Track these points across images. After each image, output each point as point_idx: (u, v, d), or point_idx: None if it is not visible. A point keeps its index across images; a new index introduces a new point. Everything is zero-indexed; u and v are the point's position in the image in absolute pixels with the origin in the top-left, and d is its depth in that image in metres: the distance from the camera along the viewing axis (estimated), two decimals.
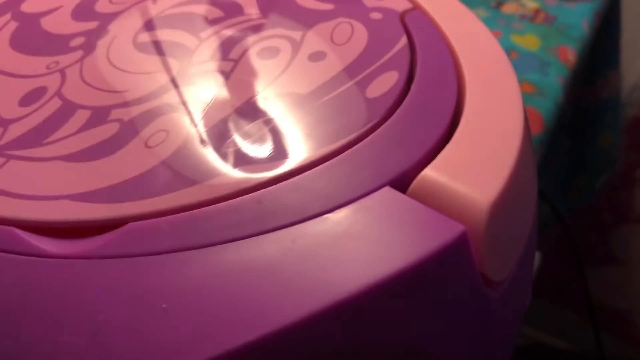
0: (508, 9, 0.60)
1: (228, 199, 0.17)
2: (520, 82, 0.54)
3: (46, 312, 0.15)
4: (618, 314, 1.13)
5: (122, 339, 0.15)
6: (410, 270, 0.15)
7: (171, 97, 0.19)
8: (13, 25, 0.22)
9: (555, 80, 0.51)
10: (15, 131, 0.19)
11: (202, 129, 0.19)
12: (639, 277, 1.11)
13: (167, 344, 0.14)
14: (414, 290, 0.16)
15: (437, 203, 0.17)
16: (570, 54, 0.54)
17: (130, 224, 0.16)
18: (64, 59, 0.21)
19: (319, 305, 0.15)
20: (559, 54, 0.54)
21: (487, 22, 0.57)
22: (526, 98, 0.49)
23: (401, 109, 0.20)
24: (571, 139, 0.83)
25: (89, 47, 0.21)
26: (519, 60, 0.52)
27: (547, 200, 0.44)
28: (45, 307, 0.15)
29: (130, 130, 0.19)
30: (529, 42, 0.55)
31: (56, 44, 0.22)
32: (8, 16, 0.23)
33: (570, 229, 0.45)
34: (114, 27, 0.22)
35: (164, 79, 0.20)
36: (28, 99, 0.20)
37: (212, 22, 0.22)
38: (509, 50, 0.54)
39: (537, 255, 0.60)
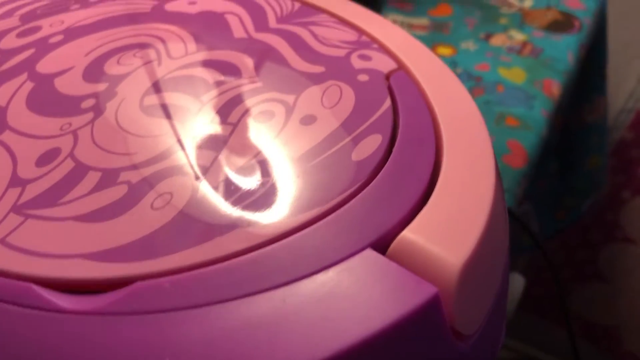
0: (496, 41, 0.62)
1: (226, 260, 0.19)
2: (506, 115, 0.57)
3: None
4: (606, 331, 1.15)
5: None
6: (388, 329, 0.17)
7: (175, 160, 0.21)
8: (29, 85, 0.24)
9: (539, 114, 0.53)
10: (32, 191, 0.21)
11: (202, 192, 0.20)
12: (625, 295, 1.13)
13: None
14: (392, 347, 0.18)
15: (414, 264, 0.19)
16: (555, 87, 0.56)
17: (137, 283, 0.18)
18: (76, 121, 0.23)
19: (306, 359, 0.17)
20: (544, 87, 0.56)
21: (476, 54, 0.59)
22: (511, 132, 0.51)
23: (383, 171, 0.22)
24: (559, 162, 0.86)
25: (98, 109, 0.23)
26: (505, 93, 0.55)
27: (528, 230, 0.46)
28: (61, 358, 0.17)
29: (137, 192, 0.20)
30: (516, 75, 0.57)
31: (69, 105, 0.23)
32: (24, 76, 0.25)
33: (548, 256, 0.47)
34: (121, 89, 0.24)
35: (168, 142, 0.22)
36: (44, 160, 0.22)
37: (211, 86, 0.24)
38: (496, 83, 0.56)
39: (521, 281, 0.62)
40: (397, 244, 0.20)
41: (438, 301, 0.18)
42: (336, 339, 0.17)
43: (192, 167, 0.21)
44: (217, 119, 0.23)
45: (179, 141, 0.22)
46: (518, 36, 0.62)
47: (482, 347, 0.21)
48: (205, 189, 0.21)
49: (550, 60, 0.59)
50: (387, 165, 0.22)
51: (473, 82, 0.55)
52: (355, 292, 0.18)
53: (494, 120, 0.52)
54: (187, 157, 0.21)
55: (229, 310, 0.18)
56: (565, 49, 0.61)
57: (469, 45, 0.61)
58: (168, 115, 0.23)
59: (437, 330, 0.18)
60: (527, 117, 0.52)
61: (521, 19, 0.65)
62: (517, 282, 0.61)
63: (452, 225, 0.20)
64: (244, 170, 0.21)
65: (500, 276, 0.22)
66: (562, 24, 0.64)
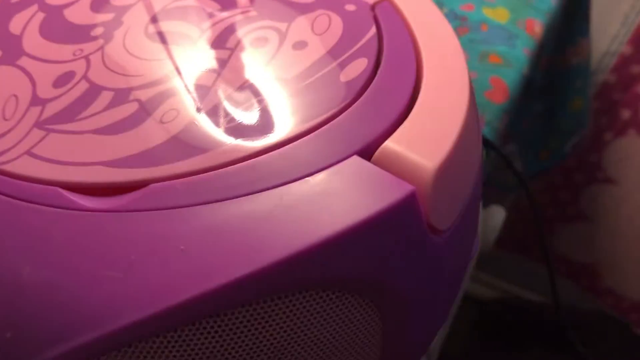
0: None
1: (228, 165, 0.21)
2: (489, 53, 0.59)
3: (88, 253, 0.20)
4: (585, 267, 1.20)
5: (150, 271, 0.19)
6: (371, 220, 0.20)
7: (180, 80, 0.24)
8: (40, 15, 0.26)
9: (521, 52, 0.55)
10: (52, 109, 0.23)
11: (206, 108, 0.23)
12: (606, 233, 1.17)
13: (186, 273, 0.19)
14: (375, 236, 0.20)
15: (395, 169, 0.22)
16: (537, 27, 0.58)
17: (152, 185, 0.21)
18: (88, 47, 0.25)
19: (302, 245, 0.19)
20: (526, 27, 0.58)
21: None
22: (494, 69, 0.53)
23: (369, 90, 0.24)
24: (543, 103, 0.88)
25: (107, 37, 0.25)
26: (489, 32, 0.56)
27: (511, 167, 0.49)
28: (87, 249, 0.20)
29: (147, 108, 0.23)
30: (499, 14, 0.59)
31: (79, 33, 0.25)
32: (35, 7, 0.27)
33: (530, 193, 0.50)
34: (127, 19, 0.26)
35: (173, 64, 0.24)
36: (60, 82, 0.24)
37: (210, 14, 0.26)
38: (480, 22, 0.58)
39: (502, 213, 0.65)
40: (380, 153, 0.22)
41: (414, 197, 0.21)
42: (326, 227, 0.20)
43: (195, 86, 0.23)
44: (216, 43, 0.25)
45: (183, 64, 0.24)
46: None
47: (455, 242, 0.24)
48: (207, 105, 0.23)
49: (533, 0, 0.61)
50: (372, 85, 0.24)
51: (458, 22, 0.57)
52: (343, 191, 0.21)
53: (478, 57, 0.54)
54: (190, 78, 0.24)
55: (233, 206, 0.20)
56: None
57: None
58: (171, 41, 0.25)
59: (415, 223, 0.21)
60: (510, 55, 0.54)
61: None
62: (498, 213, 0.64)
63: (429, 136, 0.23)
64: (242, 90, 0.24)
65: (472, 181, 0.25)
66: None
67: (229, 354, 0.21)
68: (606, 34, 0.97)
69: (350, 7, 0.28)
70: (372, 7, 0.28)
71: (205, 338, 0.20)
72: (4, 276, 0.20)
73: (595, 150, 1.09)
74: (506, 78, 0.52)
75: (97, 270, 0.20)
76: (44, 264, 0.20)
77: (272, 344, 0.21)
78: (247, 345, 0.20)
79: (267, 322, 0.20)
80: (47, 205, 0.21)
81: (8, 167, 0.22)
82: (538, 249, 1.22)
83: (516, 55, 0.54)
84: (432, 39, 0.27)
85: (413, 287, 0.22)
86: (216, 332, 0.20)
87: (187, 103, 0.23)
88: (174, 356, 0.20)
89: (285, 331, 0.21)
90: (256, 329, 0.20)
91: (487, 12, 0.59)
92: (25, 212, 0.21)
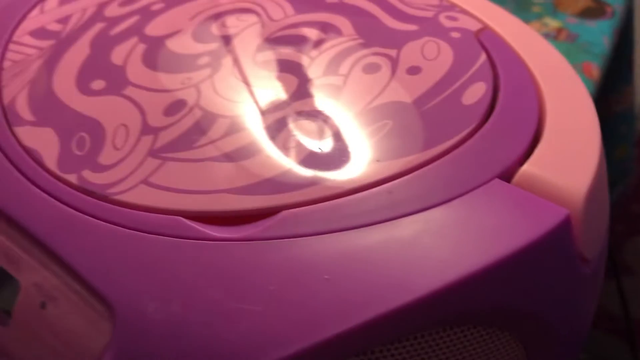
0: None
1: (363, 190, 0.20)
2: None
3: (221, 285, 0.18)
4: (632, 323, 1.15)
5: (292, 303, 0.18)
6: (530, 246, 0.18)
7: (297, 107, 0.22)
8: (142, 47, 0.25)
9: None
10: (165, 137, 0.22)
11: (329, 132, 0.22)
12: None
13: (334, 304, 0.17)
14: (532, 263, 0.19)
15: (539, 193, 0.20)
16: (595, 70, 0.58)
17: (283, 212, 0.19)
18: (196, 75, 0.24)
19: (455, 276, 0.18)
20: (583, 70, 0.57)
21: None
22: None
23: (495, 113, 0.23)
24: None
25: (215, 65, 0.24)
26: None
27: None
28: (220, 281, 0.18)
29: (268, 135, 0.22)
30: None
31: (185, 63, 0.25)
32: (135, 39, 0.26)
33: None
34: (233, 48, 0.25)
35: (288, 91, 0.23)
36: (171, 110, 0.23)
37: (316, 43, 0.25)
38: None
39: None
40: (520, 176, 0.21)
41: (570, 222, 0.19)
42: (482, 255, 0.18)
43: (315, 111, 0.22)
44: (328, 70, 0.24)
45: (298, 90, 0.23)
46: (552, 23, 0.64)
47: (599, 272, 0.22)
48: (331, 129, 0.22)
49: (586, 44, 0.60)
50: (497, 108, 0.23)
51: None
52: (492, 216, 0.19)
53: None
54: (308, 104, 0.23)
55: (375, 232, 0.19)
56: (600, 34, 0.62)
57: None
58: (282, 69, 0.24)
59: (569, 250, 0.19)
60: None
61: (553, 7, 0.66)
62: None
63: (569, 158, 0.21)
64: (364, 113, 0.22)
65: (608, 209, 0.23)
66: (595, 10, 0.65)
67: None
68: None
69: (455, 35, 0.27)
70: (476, 35, 0.27)
71: None
72: (126, 314, 0.19)
73: (638, 200, 1.07)
74: None
75: (232, 304, 0.18)
76: (172, 300, 0.18)
77: None
78: None
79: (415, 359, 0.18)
80: (170, 236, 0.19)
81: (124, 197, 0.20)
82: None
83: None
84: (541, 61, 0.26)
85: (561, 318, 0.20)
86: None
87: (310, 128, 0.22)
88: None
89: None
90: None
91: None
92: (147, 244, 0.19)
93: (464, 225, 0.19)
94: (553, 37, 0.62)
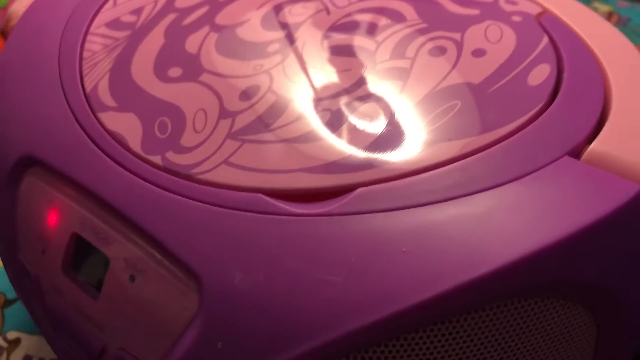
0: None
1: (437, 167, 0.21)
2: None
3: (303, 257, 0.19)
4: None
5: (372, 274, 0.18)
6: (604, 220, 0.19)
7: (367, 89, 0.23)
8: (214, 35, 0.27)
9: None
10: (242, 121, 0.23)
11: (401, 113, 0.22)
12: None
13: (412, 276, 0.18)
14: (604, 237, 0.19)
15: (608, 170, 0.21)
16: None
17: (360, 189, 0.20)
18: (267, 62, 0.25)
19: (530, 248, 0.18)
20: None
21: None
22: None
23: (562, 93, 0.23)
24: None
25: (285, 52, 0.25)
26: None
27: None
28: (301, 254, 0.19)
29: (340, 117, 0.22)
30: None
31: (255, 50, 0.26)
32: (207, 28, 0.27)
33: None
34: (300, 35, 0.26)
35: (357, 74, 0.24)
36: (246, 95, 0.24)
37: (382, 27, 0.26)
38: None
39: None
40: (589, 154, 0.21)
41: None
42: (557, 229, 0.18)
43: (385, 93, 0.23)
44: (395, 54, 0.25)
45: (366, 73, 0.24)
46: (602, 7, 0.63)
47: None
48: (401, 110, 0.22)
49: (639, 27, 0.59)
50: (563, 88, 0.23)
51: None
52: (565, 191, 0.20)
53: None
54: (377, 86, 0.23)
55: (450, 207, 0.19)
56: None
57: None
58: (350, 53, 0.25)
59: (639, 225, 0.20)
60: None
61: None
62: None
63: (636, 136, 0.22)
64: (434, 95, 0.23)
65: None
66: None
67: None
68: None
69: (516, 18, 0.27)
70: (537, 18, 0.27)
71: (427, 348, 0.19)
72: (213, 285, 0.20)
73: None
74: None
75: (314, 274, 0.19)
76: (257, 270, 0.19)
77: (492, 352, 0.19)
78: (469, 354, 0.19)
79: (490, 329, 0.19)
80: (252, 212, 0.20)
81: (208, 177, 0.21)
82: None
83: None
84: (604, 43, 0.26)
85: (632, 292, 0.21)
86: (439, 341, 0.19)
87: (381, 109, 0.23)
88: None
89: (505, 339, 0.19)
90: (479, 337, 0.19)
91: None
92: (230, 219, 0.20)
93: (537, 201, 0.19)
94: None
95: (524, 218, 0.19)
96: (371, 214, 0.20)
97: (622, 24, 0.60)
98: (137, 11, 0.29)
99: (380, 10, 0.27)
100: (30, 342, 0.35)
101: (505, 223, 0.19)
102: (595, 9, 0.63)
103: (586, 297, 0.20)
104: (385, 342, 0.19)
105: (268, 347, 0.19)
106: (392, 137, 0.22)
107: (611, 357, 0.22)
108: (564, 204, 0.19)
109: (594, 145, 0.21)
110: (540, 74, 0.24)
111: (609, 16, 0.62)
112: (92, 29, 0.28)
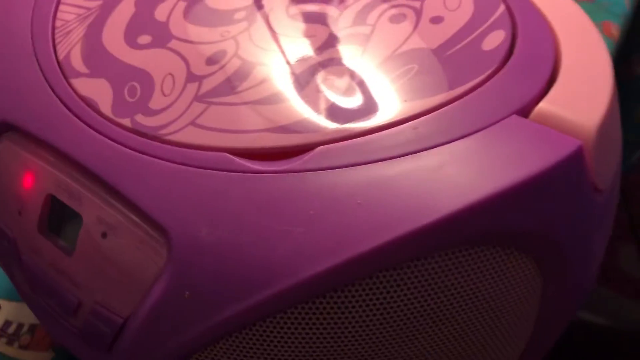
0: None
1: (392, 126, 0.22)
2: None
3: (266, 211, 0.20)
4: None
5: (330, 224, 0.20)
6: (546, 173, 0.20)
7: (329, 54, 0.24)
8: (182, 4, 0.27)
9: None
10: (209, 84, 0.24)
11: (360, 76, 0.23)
12: None
13: (367, 225, 0.19)
14: (546, 189, 0.20)
15: (554, 128, 0.22)
16: (614, 29, 0.58)
17: (319, 147, 0.21)
18: (234, 29, 0.26)
19: (478, 196, 0.19)
20: (603, 29, 0.58)
21: None
22: None
23: (513, 57, 0.24)
24: None
25: (251, 19, 0.26)
26: None
27: None
28: (265, 208, 0.20)
29: (302, 80, 0.23)
30: None
31: (223, 17, 0.26)
32: None
33: None
34: (266, 3, 0.27)
35: (320, 40, 0.25)
36: (212, 60, 0.25)
37: None
38: None
39: None
40: (536, 113, 0.22)
41: (582, 152, 0.21)
42: (501, 180, 0.20)
43: (346, 57, 0.24)
44: (357, 21, 0.26)
45: (329, 39, 0.25)
46: None
47: (611, 205, 0.24)
48: (362, 73, 0.24)
49: (607, 3, 0.61)
50: (515, 52, 0.24)
51: None
52: (510, 145, 0.21)
53: None
54: (340, 50, 0.24)
55: (403, 163, 0.21)
56: None
57: None
58: (314, 20, 0.26)
59: (582, 179, 0.21)
60: None
61: None
62: None
63: (583, 96, 0.23)
64: (393, 58, 0.24)
65: (621, 142, 0.25)
66: None
67: (400, 309, 0.21)
68: None
69: None
70: None
71: (381, 293, 0.20)
72: (180, 238, 0.21)
73: None
74: None
75: (276, 226, 0.20)
76: (222, 224, 0.21)
77: (441, 297, 0.21)
78: (418, 300, 0.20)
79: (439, 276, 0.20)
80: (218, 170, 0.21)
81: (175, 137, 0.23)
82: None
83: None
84: (558, 11, 0.28)
85: (576, 245, 0.22)
86: (391, 286, 0.20)
87: (341, 72, 0.24)
88: (350, 312, 0.20)
89: (454, 285, 0.21)
90: (429, 283, 0.20)
91: None
92: (197, 177, 0.22)
93: (485, 155, 0.21)
94: None
95: (471, 171, 0.20)
96: (329, 171, 0.21)
97: (591, 0, 0.61)
98: None
99: None
100: (10, 308, 0.36)
101: (454, 176, 0.20)
102: None
103: (530, 247, 0.21)
104: (341, 288, 0.20)
105: (231, 295, 0.20)
106: (350, 98, 0.23)
107: (555, 312, 0.24)
108: (509, 157, 0.20)
109: (541, 104, 0.23)
110: (495, 40, 0.25)
111: None
112: None
